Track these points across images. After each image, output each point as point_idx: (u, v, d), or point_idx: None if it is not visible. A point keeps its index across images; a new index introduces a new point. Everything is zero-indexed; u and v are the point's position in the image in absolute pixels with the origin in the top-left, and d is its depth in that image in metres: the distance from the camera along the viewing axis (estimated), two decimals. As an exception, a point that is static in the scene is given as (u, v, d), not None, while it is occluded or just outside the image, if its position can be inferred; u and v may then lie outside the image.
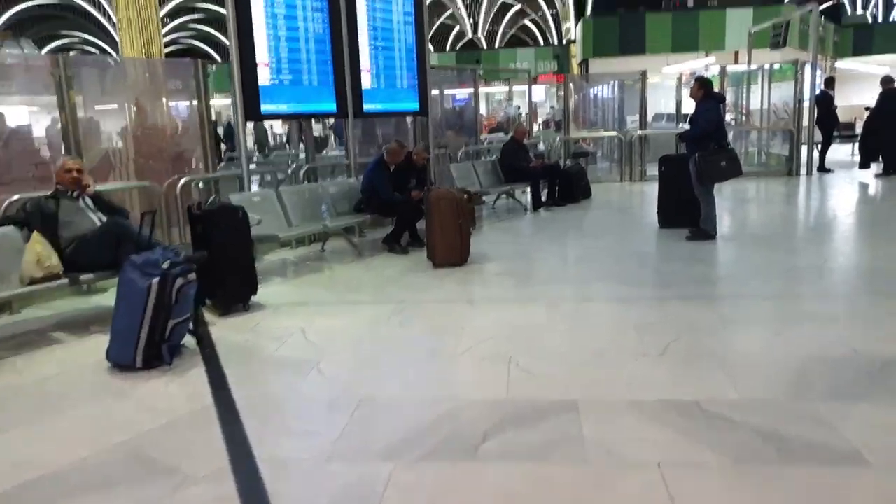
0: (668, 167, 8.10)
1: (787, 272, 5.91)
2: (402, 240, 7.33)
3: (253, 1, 6.86)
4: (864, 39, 29.16)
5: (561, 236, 8.10)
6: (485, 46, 38.81)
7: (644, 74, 12.56)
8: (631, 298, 5.18)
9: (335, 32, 7.80)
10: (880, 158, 12.02)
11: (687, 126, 7.71)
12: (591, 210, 10.02)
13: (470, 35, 34.85)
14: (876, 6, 33.52)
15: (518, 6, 41.13)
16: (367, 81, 8.35)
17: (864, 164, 12.24)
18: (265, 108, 7.04)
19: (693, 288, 5.48)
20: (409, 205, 7.15)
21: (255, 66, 6.85)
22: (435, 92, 10.19)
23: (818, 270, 5.94)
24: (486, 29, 34.90)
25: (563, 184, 10.63)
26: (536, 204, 10.13)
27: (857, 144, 13.84)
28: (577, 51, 25.47)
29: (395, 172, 7.53)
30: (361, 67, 8.23)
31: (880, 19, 34.18)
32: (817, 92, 12.89)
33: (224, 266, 4.93)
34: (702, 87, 7.25)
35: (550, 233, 8.38)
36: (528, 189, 10.34)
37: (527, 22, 44.30)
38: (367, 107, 8.34)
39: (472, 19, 34.18)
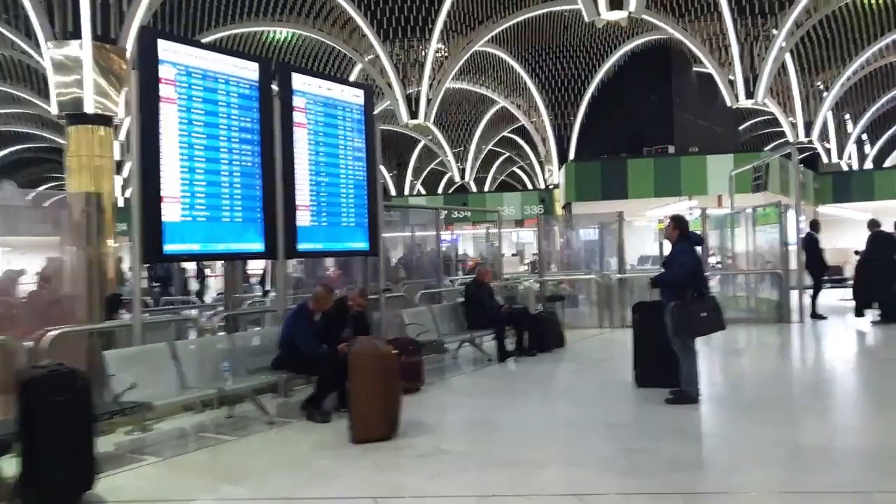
0: (643, 315, 7.06)
1: (786, 453, 4.70)
2: (328, 403, 6.13)
3: (165, 131, 6.14)
4: (843, 186, 29.36)
5: (521, 398, 6.90)
6: (474, 190, 39.39)
7: (621, 216, 11.90)
8: (588, 491, 3.95)
9: (268, 166, 7.06)
10: (876, 305, 11.05)
11: (661, 269, 6.77)
12: (562, 363, 8.89)
13: (458, 180, 35.29)
14: (850, 155, 34.30)
15: (507, 154, 42.21)
16: (304, 218, 7.50)
17: (859, 312, 11.26)
18: (170, 248, 6.10)
19: (668, 477, 4.25)
20: (335, 360, 6.02)
21: (158, 200, 5.98)
22: (406, 233, 9.63)
23: (825, 452, 4.73)
24: (474, 174, 35.40)
25: (534, 331, 9.55)
26: (502, 354, 8.98)
27: (848, 290, 12.96)
28: (560, 195, 25.39)
29: (326, 322, 6.48)
30: (298, 203, 7.42)
31: (855, 167, 34.83)
32: (802, 235, 12.22)
33: (46, 452, 3.73)
34: (677, 227, 6.39)
35: (510, 393, 7.18)
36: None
37: (515, 168, 45.42)
38: (303, 246, 7.44)
39: (460, 165, 34.76)
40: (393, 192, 39.97)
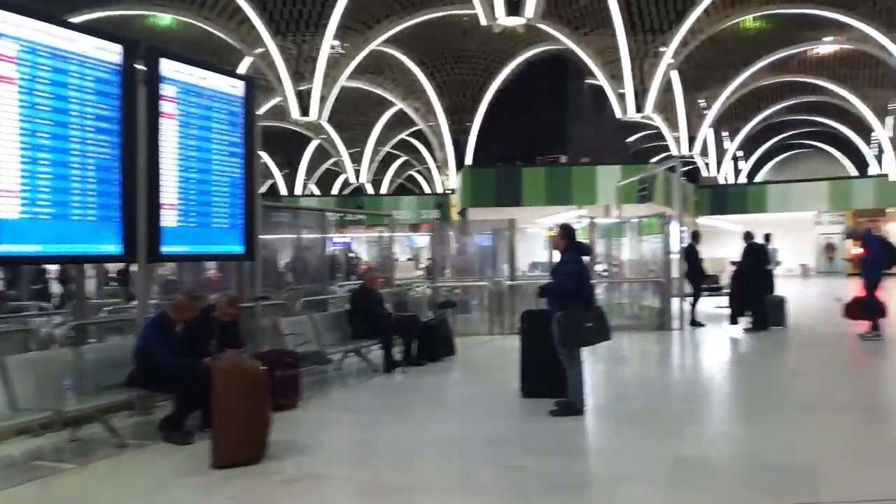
0: (530, 324, 6.91)
1: (669, 468, 4.63)
2: (191, 422, 5.53)
3: (3, 110, 5.34)
4: (720, 200, 31.31)
5: (404, 413, 6.57)
6: (371, 192, 38.85)
7: (512, 223, 11.86)
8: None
9: (129, 160, 6.34)
10: (749, 313, 11.62)
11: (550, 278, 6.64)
12: (450, 373, 8.65)
13: (354, 181, 34.64)
14: (727, 170, 36.67)
15: (405, 158, 41.99)
16: (170, 219, 6.81)
17: (733, 320, 11.80)
18: (4, 248, 5.29)
19: (551, 498, 4.04)
20: (197, 375, 5.43)
21: None
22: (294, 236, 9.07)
23: (705, 464, 4.70)
24: (370, 176, 34.87)
25: (423, 340, 9.26)
26: (389, 365, 8.61)
27: (724, 298, 13.60)
28: (456, 200, 25.39)
29: (189, 333, 5.87)
30: (163, 202, 6.73)
31: (731, 181, 37.27)
32: (684, 245, 12.67)
33: None
34: (565, 237, 6.27)
35: (393, 408, 6.84)
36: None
37: (413, 172, 45.27)
38: (168, 249, 6.75)
39: (355, 166, 34.13)
40: (284, 191, 38.75)
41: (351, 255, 19.85)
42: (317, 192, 42.21)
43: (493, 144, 25.39)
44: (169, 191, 6.80)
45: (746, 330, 11.39)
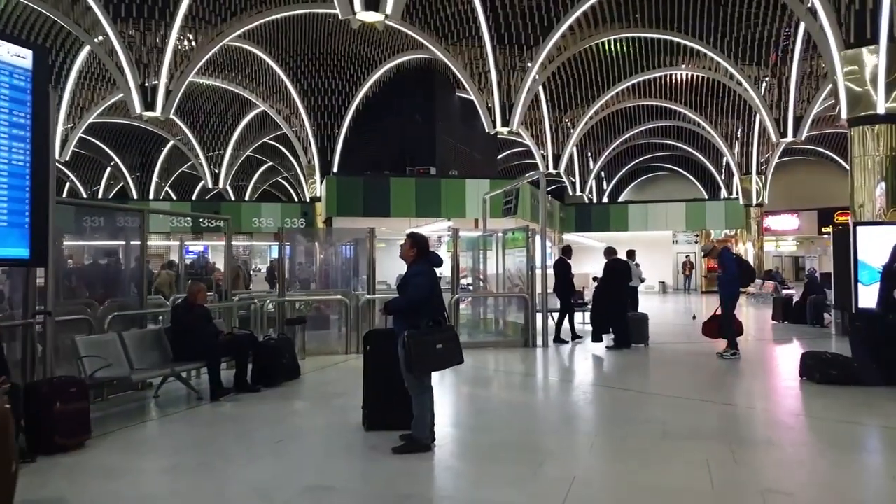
0: (376, 345, 6.00)
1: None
2: None
3: None
4: (584, 217, 32.26)
5: (217, 453, 5.43)
6: (232, 198, 36.58)
7: (372, 232, 10.95)
8: None
9: None
10: (610, 330, 11.42)
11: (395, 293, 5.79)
12: (288, 400, 7.55)
13: (211, 186, 32.34)
14: (591, 190, 37.95)
15: (270, 163, 40.03)
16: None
17: (596, 337, 11.56)
18: None
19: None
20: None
21: None
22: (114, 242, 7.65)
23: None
24: (228, 181, 32.71)
25: (260, 362, 8.13)
26: (215, 391, 7.37)
27: (587, 314, 13.46)
28: (322, 208, 24.23)
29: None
30: None
31: (595, 200, 38.64)
32: (554, 259, 12.33)
33: None
34: (414, 246, 5.46)
35: (205, 446, 5.68)
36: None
37: (280, 179, 43.29)
38: None
39: (214, 170, 31.88)
40: (136, 195, 35.66)
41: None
42: (174, 196, 39.24)
43: (360, 153, 24.43)
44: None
45: (609, 348, 11.16)
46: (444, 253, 11.46)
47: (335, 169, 24.65)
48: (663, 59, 24.17)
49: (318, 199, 24.29)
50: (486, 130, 20.96)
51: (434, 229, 19.30)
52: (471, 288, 14.26)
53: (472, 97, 20.40)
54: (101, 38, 17.38)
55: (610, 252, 11.71)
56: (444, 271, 13.47)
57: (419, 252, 5.44)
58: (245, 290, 15.08)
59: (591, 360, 10.48)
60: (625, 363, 10.11)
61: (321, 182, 24.59)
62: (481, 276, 14.21)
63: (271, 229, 25.67)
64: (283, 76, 23.80)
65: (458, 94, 26.29)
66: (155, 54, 17.19)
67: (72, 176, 39.01)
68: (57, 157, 23.78)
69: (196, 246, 26.81)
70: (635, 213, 31.57)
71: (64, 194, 37.91)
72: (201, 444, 5.84)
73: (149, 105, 17.17)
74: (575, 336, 12.20)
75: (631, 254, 12.82)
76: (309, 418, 6.78)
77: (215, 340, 7.50)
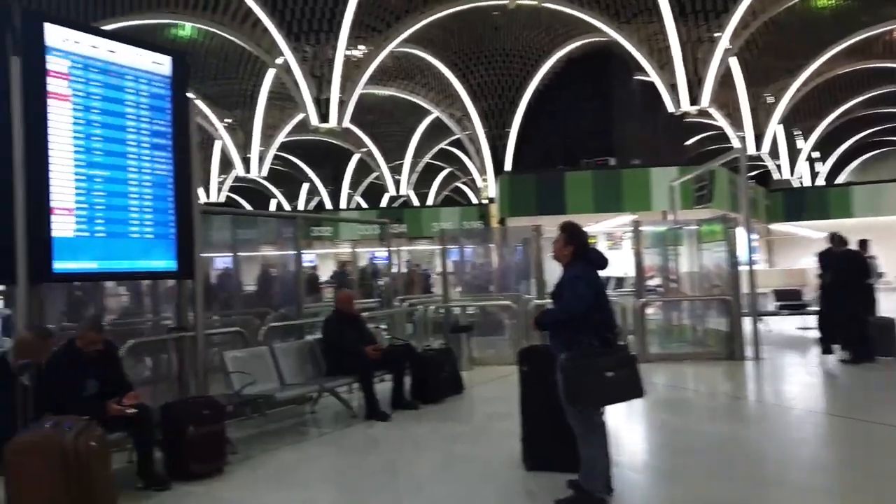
0: (533, 366, 4.95)
1: None
2: None
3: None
4: (795, 203, 28.20)
5: (352, 490, 4.73)
6: (417, 204, 37.39)
7: (538, 230, 9.88)
8: None
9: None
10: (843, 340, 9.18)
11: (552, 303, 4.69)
12: (447, 422, 6.74)
13: (394, 194, 33.24)
14: (802, 173, 33.43)
15: (449, 169, 40.43)
16: (65, 227, 5.24)
17: (826, 349, 9.35)
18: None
19: None
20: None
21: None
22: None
23: None
24: (410, 187, 33.37)
25: (419, 376, 7.45)
26: (371, 410, 6.76)
27: (808, 317, 11.22)
28: (495, 209, 23.59)
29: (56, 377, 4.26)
30: (55, 205, 5.16)
31: (807, 184, 33.99)
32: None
33: None
34: (570, 242, 4.33)
35: (342, 479, 5.05)
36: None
37: (459, 183, 43.61)
38: (62, 266, 5.16)
39: (396, 178, 32.74)
40: (329, 206, 37.74)
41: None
42: (364, 205, 40.98)
43: (533, 149, 23.38)
44: (63, 191, 5.24)
45: (844, 361, 8.99)
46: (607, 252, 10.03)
47: (508, 168, 23.89)
48: (889, 11, 20.27)
49: (491, 201, 23.69)
50: (671, 112, 18.88)
51: (615, 225, 17.73)
52: (660, 290, 12.58)
53: (652, 77, 18.49)
54: (280, 58, 18.14)
55: (839, 240, 9.43)
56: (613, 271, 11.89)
57: (577, 249, 4.31)
58: (423, 294, 14.76)
59: (822, 379, 8.48)
60: (868, 383, 8.02)
61: (494, 182, 24.00)
62: (673, 276, 12.47)
63: (451, 232, 25.48)
64: (452, 78, 23.52)
65: (636, 76, 24.26)
66: (326, 67, 17.61)
67: (276, 192, 42.27)
68: (256, 174, 25.81)
69: (382, 252, 27.61)
70: (861, 196, 26.78)
71: (272, 208, 41.25)
72: (343, 473, 5.22)
73: (323, 117, 17.61)
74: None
75: (864, 244, 10.27)
76: (465, 445, 5.89)
77: (363, 354, 6.87)
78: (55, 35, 5.21)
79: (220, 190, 30.44)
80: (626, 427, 6.10)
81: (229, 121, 24.91)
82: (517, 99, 23.37)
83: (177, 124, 6.16)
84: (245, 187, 38.36)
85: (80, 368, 4.52)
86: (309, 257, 27.23)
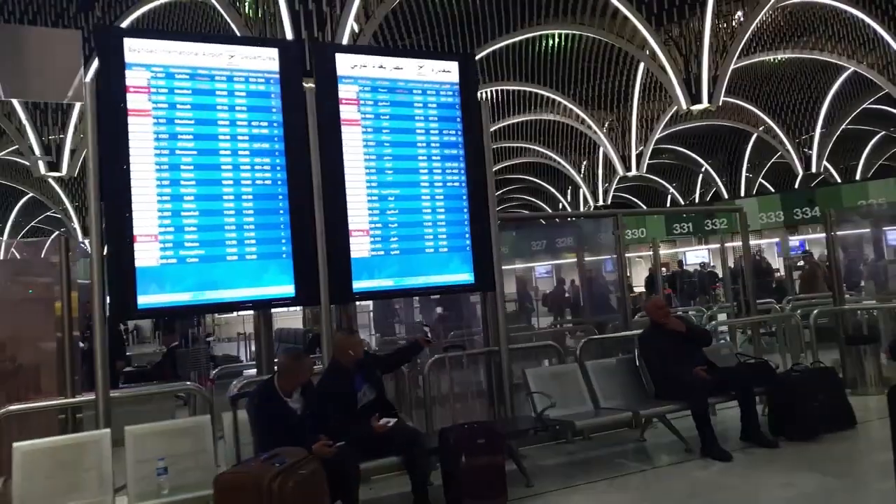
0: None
1: None
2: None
3: (136, 133, 4.79)
4: None
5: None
6: (838, 180, 31.58)
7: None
8: None
9: (297, 178, 5.25)
10: None
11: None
12: (807, 471, 5.00)
13: (801, 171, 28.55)
14: None
15: (882, 133, 33.18)
16: (362, 247, 5.47)
17: None
18: (147, 300, 4.66)
19: None
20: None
21: (130, 240, 4.64)
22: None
23: None
24: (822, 162, 28.20)
25: (782, 401, 5.82)
26: (707, 444, 5.46)
27: None
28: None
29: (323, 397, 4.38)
30: (352, 227, 5.43)
31: None
32: None
33: None
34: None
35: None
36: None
37: (899, 148, 35.33)
38: (361, 285, 5.40)
39: (806, 152, 28.09)
40: (725, 195, 34.49)
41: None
42: (772, 189, 36.31)
43: None
44: (358, 213, 5.49)
45: None
46: None
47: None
48: None
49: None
50: None
51: None
52: None
53: None
54: (649, 52, 17.09)
55: None
56: None
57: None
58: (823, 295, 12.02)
59: None
60: None
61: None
62: None
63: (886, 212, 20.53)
64: (869, 21, 18.93)
65: None
66: (695, 44, 15.84)
67: (670, 187, 40.52)
68: (634, 171, 25.04)
69: (793, 241, 24.07)
70: None
71: (667, 205, 39.78)
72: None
73: (694, 98, 15.88)
74: None
75: None
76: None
77: (692, 376, 5.58)
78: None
79: (605, 192, 30.36)
80: None
81: (608, 122, 24.62)
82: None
83: (468, 130, 5.96)
84: (638, 186, 37.65)
85: (348, 380, 4.54)
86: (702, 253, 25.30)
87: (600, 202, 29.88)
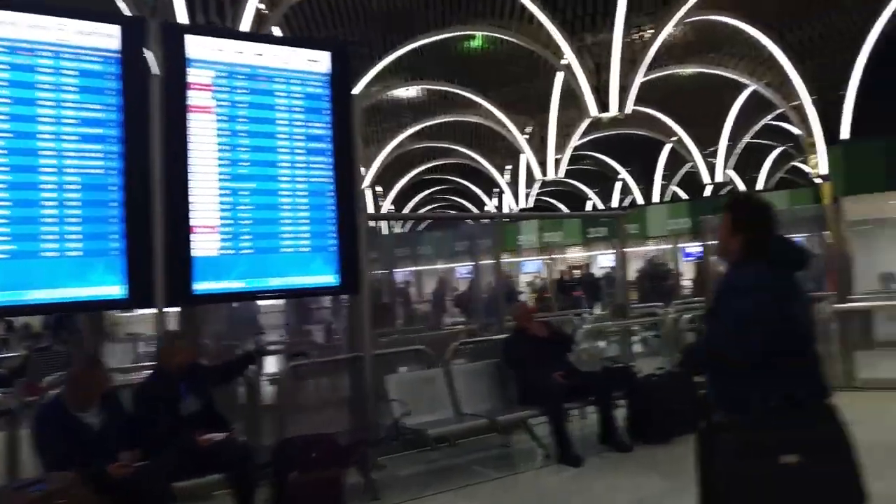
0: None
1: None
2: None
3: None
4: None
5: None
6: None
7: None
8: None
9: (134, 167, 4.83)
10: None
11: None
12: (650, 473, 5.02)
13: (708, 181, 29.73)
14: None
15: (782, 147, 34.85)
16: (208, 245, 5.11)
17: None
18: None
19: None
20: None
21: None
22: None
23: None
24: (724, 173, 29.48)
25: (639, 406, 5.86)
26: (563, 448, 5.39)
27: None
28: (828, 188, 19.29)
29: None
30: (195, 223, 5.04)
31: None
32: None
33: None
34: (737, 228, 2.59)
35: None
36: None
37: (797, 163, 37.30)
38: (203, 286, 5.02)
39: (711, 162, 29.27)
40: (640, 201, 35.51)
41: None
42: (684, 195, 37.56)
43: (878, 112, 18.27)
44: (205, 208, 5.12)
45: None
46: None
47: (845, 137, 19.26)
48: None
49: (825, 178, 19.31)
50: None
51: None
52: None
53: None
54: (565, 59, 17.27)
55: None
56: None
57: (749, 240, 2.53)
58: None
59: None
60: None
61: (825, 156, 19.68)
62: None
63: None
64: (764, 40, 19.74)
65: None
66: (605, 54, 16.15)
67: (590, 193, 41.28)
68: (552, 176, 25.39)
69: (694, 248, 24.92)
70: None
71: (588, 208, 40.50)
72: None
73: (603, 106, 16.19)
74: None
75: None
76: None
77: (550, 381, 5.54)
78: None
79: (527, 196, 30.62)
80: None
81: (529, 129, 24.79)
82: (854, 51, 18.61)
83: (338, 124, 5.69)
84: (562, 191, 38.26)
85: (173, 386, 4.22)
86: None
87: (522, 205, 30.10)
